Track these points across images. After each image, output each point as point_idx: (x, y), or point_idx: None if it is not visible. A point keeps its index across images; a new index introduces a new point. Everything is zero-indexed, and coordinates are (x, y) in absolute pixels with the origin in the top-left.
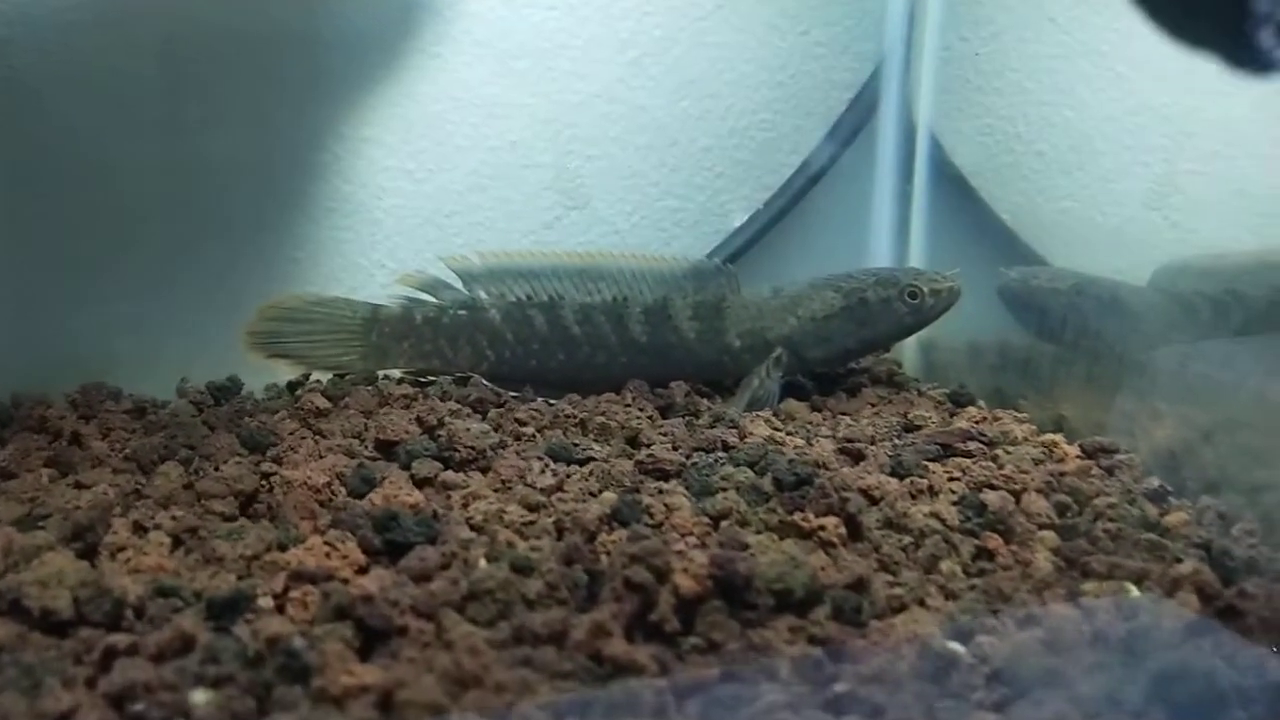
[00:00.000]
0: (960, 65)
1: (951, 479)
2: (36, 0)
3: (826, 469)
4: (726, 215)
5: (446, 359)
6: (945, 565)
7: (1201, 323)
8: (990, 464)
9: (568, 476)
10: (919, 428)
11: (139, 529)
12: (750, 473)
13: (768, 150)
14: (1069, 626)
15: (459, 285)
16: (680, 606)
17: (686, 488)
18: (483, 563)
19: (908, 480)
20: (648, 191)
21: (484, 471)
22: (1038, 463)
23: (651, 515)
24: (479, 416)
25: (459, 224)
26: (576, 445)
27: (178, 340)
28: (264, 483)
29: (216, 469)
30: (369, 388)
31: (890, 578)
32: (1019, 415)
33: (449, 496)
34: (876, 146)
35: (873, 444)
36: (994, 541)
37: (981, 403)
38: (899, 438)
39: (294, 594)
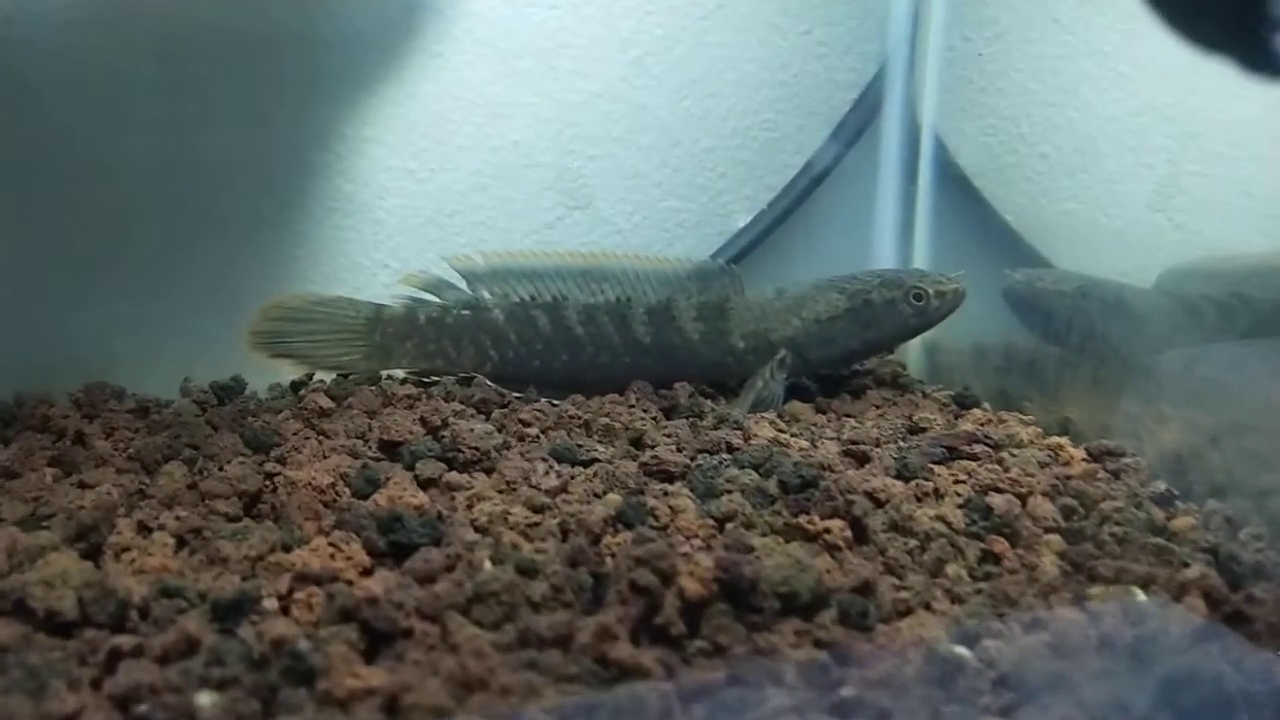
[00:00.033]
0: (964, 66)
1: (957, 482)
2: (41, 3)
3: (832, 471)
4: (730, 216)
5: (450, 359)
6: (951, 569)
7: (1207, 326)
8: (996, 467)
9: (572, 478)
10: (924, 430)
11: (143, 529)
12: (755, 475)
13: (771, 150)
14: (1075, 631)
15: (462, 285)
16: (685, 610)
17: (691, 490)
18: (488, 565)
19: (913, 483)
20: (650, 192)
21: (488, 472)
22: (1043, 466)
23: (656, 517)
24: (483, 417)
25: (461, 224)
26: (581, 446)
27: (179, 339)
28: (268, 483)
29: (220, 469)
30: (372, 388)
31: (896, 581)
32: (1024, 418)
33: (453, 498)
34: (880, 147)
35: (877, 446)
36: (1000, 545)
37: (986, 405)
38: (904, 440)
39: (299, 595)
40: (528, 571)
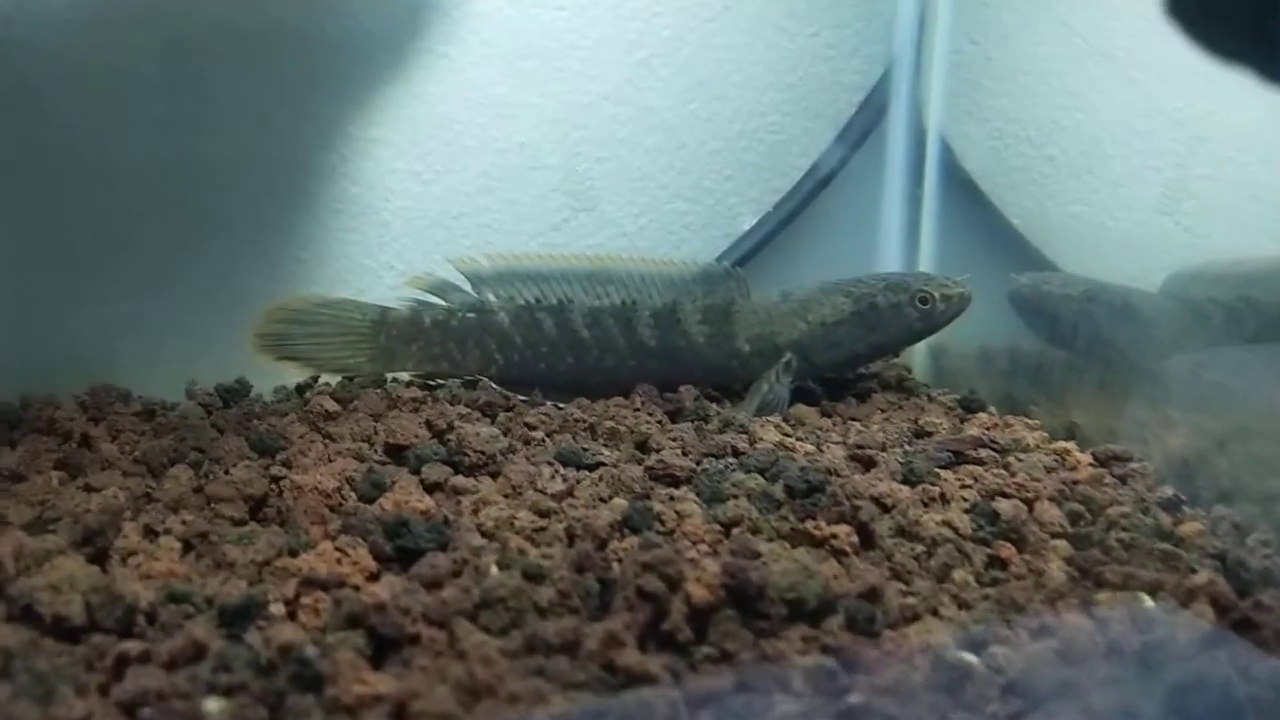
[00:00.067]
0: (970, 68)
1: (963, 487)
2: (43, 3)
3: (838, 476)
4: (735, 218)
5: (455, 362)
6: (958, 574)
7: (1214, 330)
8: (1002, 471)
9: (578, 482)
10: (930, 434)
11: (149, 533)
12: (761, 479)
13: (777, 153)
14: (1083, 637)
15: (467, 288)
16: (693, 616)
17: (697, 494)
18: (494, 570)
19: (919, 488)
20: (656, 194)
21: (494, 476)
22: (1050, 470)
23: (663, 522)
24: (488, 420)
25: (467, 226)
26: (586, 450)
27: (182, 341)
28: (274, 486)
29: (226, 472)
30: (378, 390)
31: (903, 587)
32: (1030, 422)
33: (459, 502)
34: (886, 150)
35: (883, 450)
36: (1007, 550)
37: (992, 409)
38: (910, 444)
39: (305, 601)
40: (534, 577)
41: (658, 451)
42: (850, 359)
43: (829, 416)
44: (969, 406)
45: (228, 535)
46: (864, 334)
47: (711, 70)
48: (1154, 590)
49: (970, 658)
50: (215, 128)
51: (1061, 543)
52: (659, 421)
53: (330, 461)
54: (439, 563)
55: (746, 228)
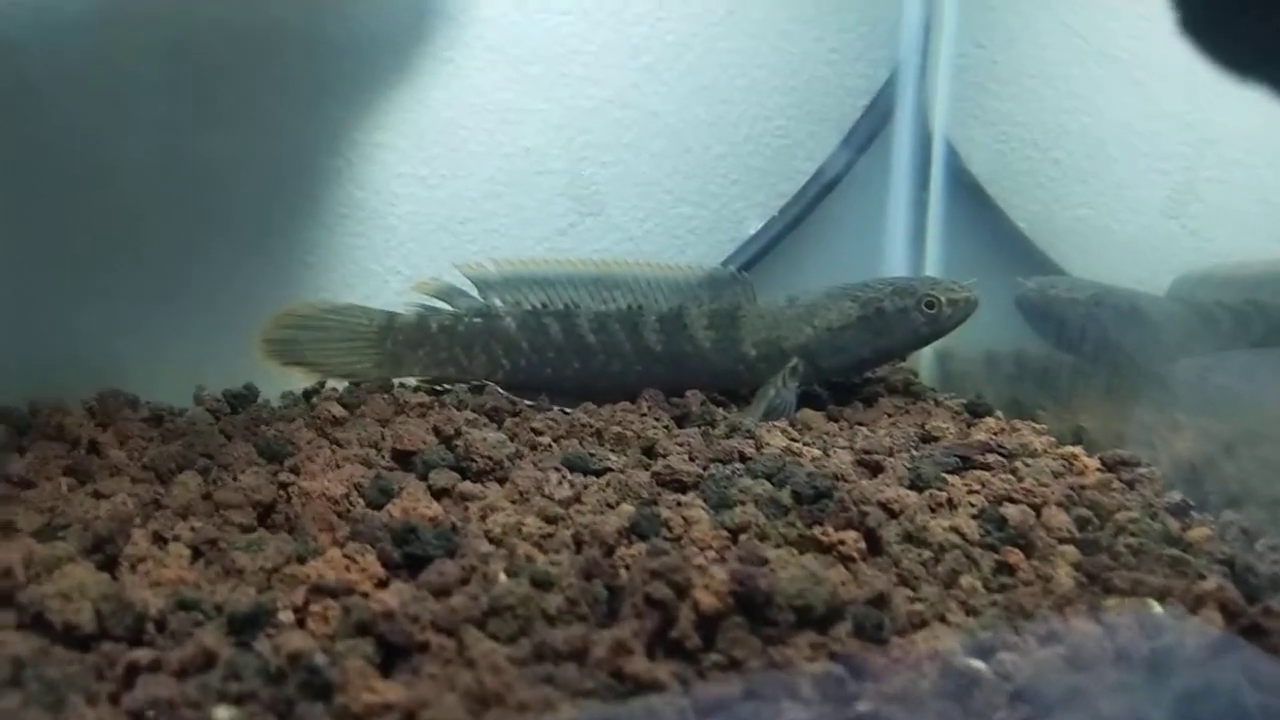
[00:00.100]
0: (976, 72)
1: (971, 492)
2: (46, 4)
3: (845, 481)
4: (741, 223)
5: (462, 367)
6: (966, 580)
7: (1222, 333)
8: (1009, 477)
9: (585, 487)
10: (937, 439)
11: (159, 540)
12: (768, 485)
13: (782, 157)
14: (1091, 644)
15: (474, 293)
16: (701, 623)
17: (704, 500)
18: (502, 577)
19: (927, 493)
20: (662, 198)
21: (501, 482)
22: (1057, 475)
23: (670, 529)
24: (495, 425)
25: (473, 231)
26: (593, 455)
27: (188, 345)
28: (282, 493)
29: (234, 479)
30: (385, 396)
31: (911, 593)
32: (1037, 426)
33: (467, 508)
34: (892, 153)
35: (890, 455)
36: (1014, 556)
37: (999, 413)
38: (917, 449)
39: (314, 608)
40: (543, 584)
41: (664, 457)
42: (857, 363)
43: (836, 421)
44: (976, 411)
45: (236, 542)
46: (871, 339)
47: (716, 75)
48: (1162, 596)
49: (978, 664)
50: (221, 132)
51: (1069, 548)
52: (665, 426)
53: (338, 467)
54: (447, 570)
55: (752, 232)
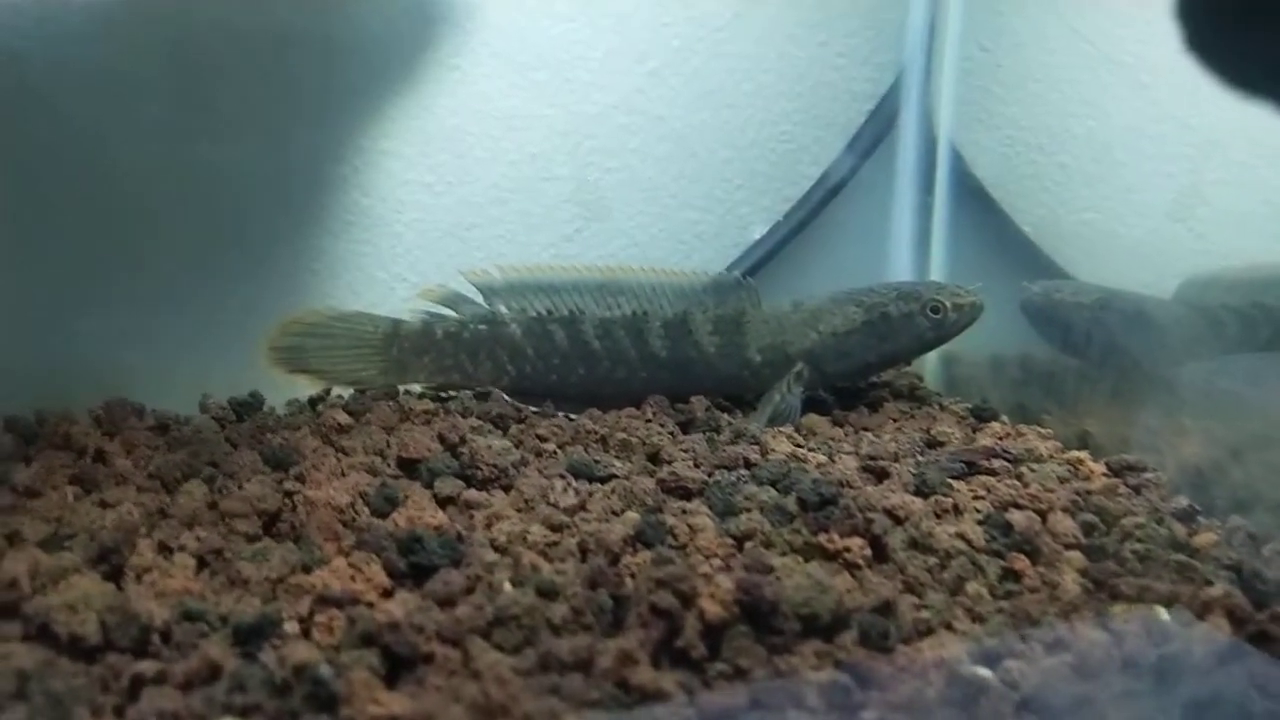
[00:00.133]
0: (981, 76)
1: (976, 498)
2: (52, 11)
3: (850, 488)
4: (746, 228)
5: (467, 374)
6: (972, 587)
7: (1228, 337)
8: (1015, 482)
9: (590, 495)
10: (942, 444)
11: (164, 550)
12: (773, 491)
13: (787, 162)
14: (1098, 651)
15: (479, 299)
16: (706, 632)
17: (709, 507)
18: (507, 586)
19: (932, 499)
20: (667, 204)
21: (506, 490)
22: (1063, 481)
23: (675, 536)
24: (500, 432)
25: (479, 237)
26: (598, 462)
27: (194, 353)
28: (287, 501)
29: (240, 487)
30: (390, 403)
31: (916, 600)
32: (1043, 431)
33: (472, 516)
34: (897, 158)
35: (896, 461)
36: (1020, 562)
37: (1004, 418)
38: (922, 454)
39: (319, 618)
40: (548, 594)
41: (669, 463)
42: (862, 368)
43: (841, 426)
44: (981, 416)
45: (242, 552)
46: (876, 343)
47: (721, 79)
48: (1169, 602)
49: (984, 672)
50: (226, 140)
51: (1075, 554)
52: (670, 433)
53: (343, 476)
54: (452, 579)
55: (757, 237)
